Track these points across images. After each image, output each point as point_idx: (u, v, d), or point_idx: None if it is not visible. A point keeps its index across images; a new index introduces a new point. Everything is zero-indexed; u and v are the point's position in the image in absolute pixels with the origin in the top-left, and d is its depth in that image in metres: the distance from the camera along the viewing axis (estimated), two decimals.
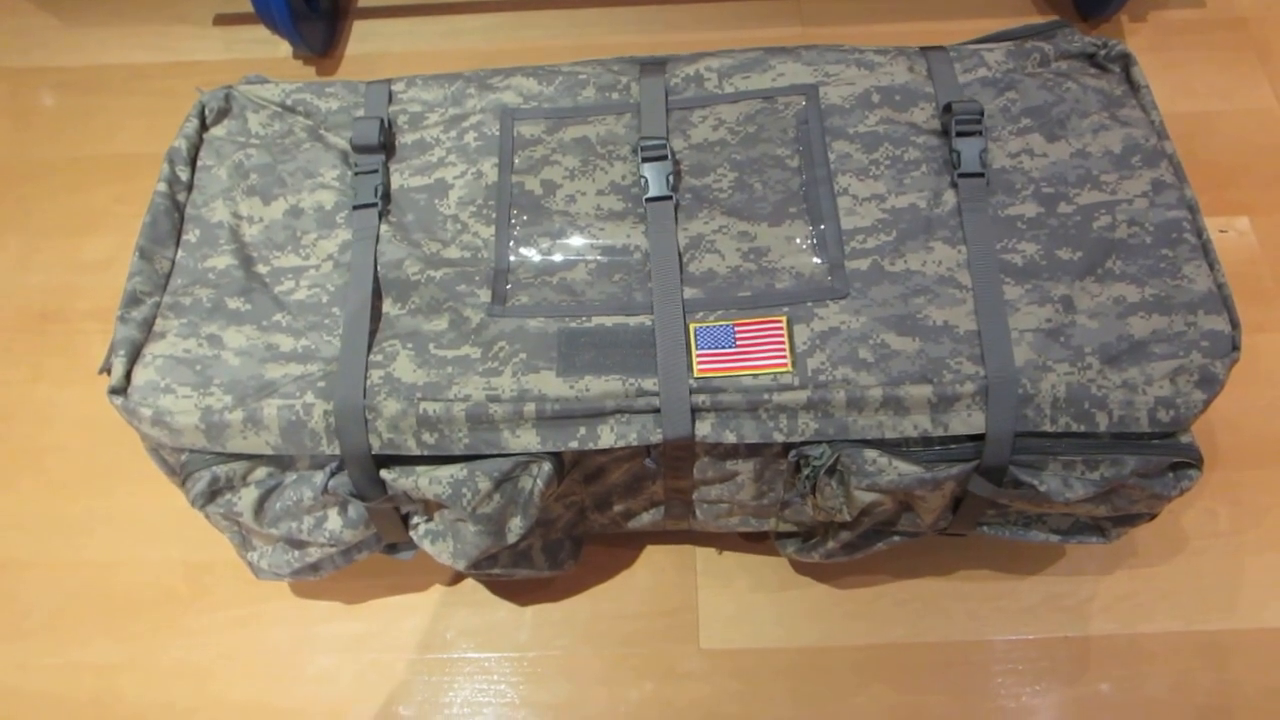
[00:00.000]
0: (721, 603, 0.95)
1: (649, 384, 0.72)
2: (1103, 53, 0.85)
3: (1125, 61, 0.85)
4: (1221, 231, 1.14)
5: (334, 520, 0.77)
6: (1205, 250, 0.75)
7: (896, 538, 0.82)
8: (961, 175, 0.78)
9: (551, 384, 0.72)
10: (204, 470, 0.74)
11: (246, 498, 0.75)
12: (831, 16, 1.34)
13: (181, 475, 0.75)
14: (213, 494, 0.75)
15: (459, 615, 0.96)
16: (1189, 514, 0.97)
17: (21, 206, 1.22)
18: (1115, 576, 0.94)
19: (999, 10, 1.32)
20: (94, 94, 1.31)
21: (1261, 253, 1.12)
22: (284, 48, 1.33)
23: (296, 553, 0.81)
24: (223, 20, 1.35)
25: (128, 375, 0.74)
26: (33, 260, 1.18)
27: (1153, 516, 0.80)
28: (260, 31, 1.33)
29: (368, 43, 1.35)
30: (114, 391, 0.73)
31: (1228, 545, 0.96)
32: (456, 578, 0.97)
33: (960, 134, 0.79)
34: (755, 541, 0.97)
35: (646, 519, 0.87)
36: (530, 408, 0.71)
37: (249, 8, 1.20)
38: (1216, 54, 1.28)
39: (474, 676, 0.93)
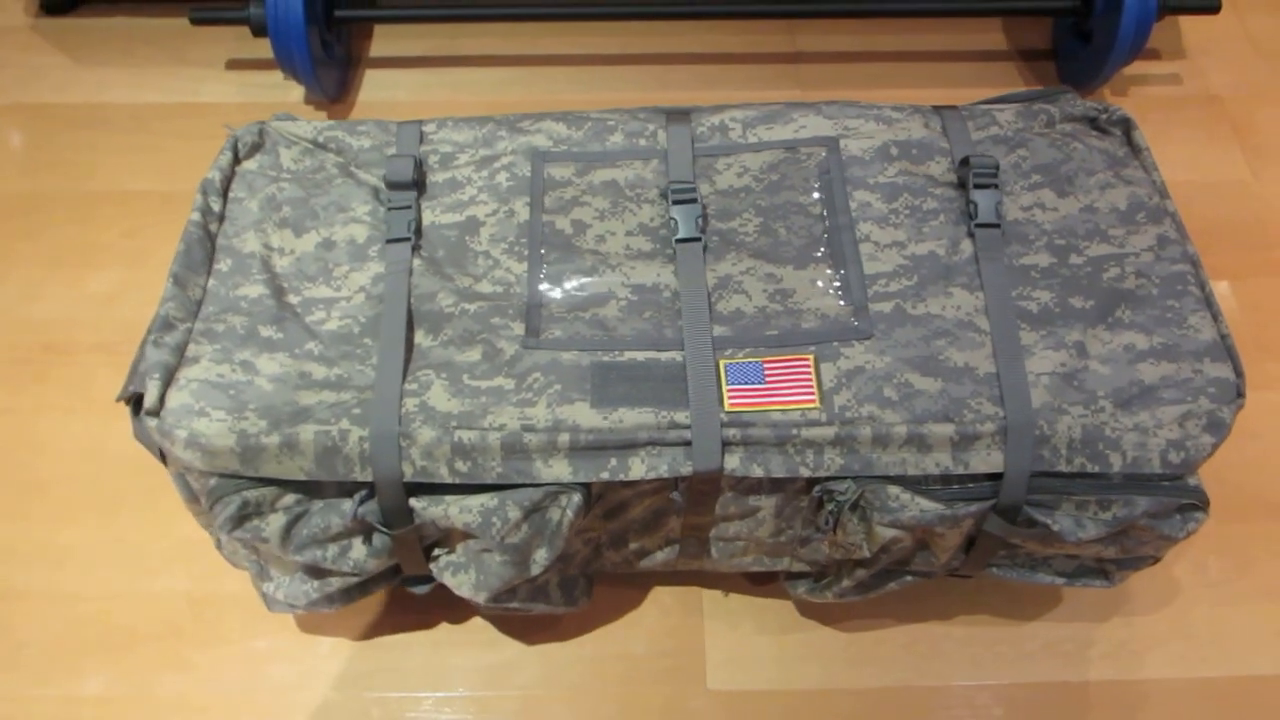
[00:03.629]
0: (728, 644, 0.96)
1: (681, 417, 0.74)
2: (1104, 117, 0.90)
3: (1126, 125, 0.89)
4: None
5: (358, 549, 0.78)
6: (1208, 302, 0.79)
7: (909, 578, 0.84)
8: (978, 225, 0.82)
9: (586, 415, 0.74)
10: (234, 495, 0.74)
11: (274, 523, 0.75)
12: (828, 81, 1.38)
13: (209, 500, 0.76)
14: (241, 519, 0.75)
15: (464, 654, 0.95)
16: (1180, 565, 1.00)
17: (27, 238, 1.22)
18: (1112, 623, 0.97)
19: (989, 81, 1.38)
20: (105, 132, 1.32)
21: (1241, 315, 1.17)
22: (296, 93, 1.35)
23: (316, 583, 0.81)
24: (236, 65, 1.36)
25: (162, 398, 0.75)
26: (37, 292, 1.18)
27: (1157, 560, 0.83)
28: (273, 76, 1.34)
29: (379, 91, 1.37)
30: (149, 413, 0.73)
31: (1218, 595, 0.99)
32: (462, 616, 0.97)
33: (977, 186, 0.83)
34: (761, 584, 0.98)
35: (660, 558, 0.88)
36: (564, 437, 0.73)
37: (263, 53, 1.22)
38: (1193, 129, 1.34)
39: (479, 716, 0.92)
